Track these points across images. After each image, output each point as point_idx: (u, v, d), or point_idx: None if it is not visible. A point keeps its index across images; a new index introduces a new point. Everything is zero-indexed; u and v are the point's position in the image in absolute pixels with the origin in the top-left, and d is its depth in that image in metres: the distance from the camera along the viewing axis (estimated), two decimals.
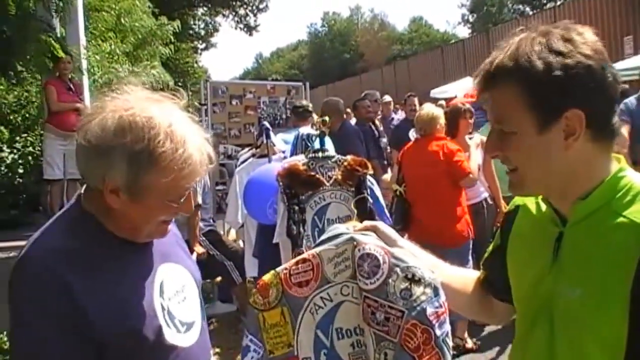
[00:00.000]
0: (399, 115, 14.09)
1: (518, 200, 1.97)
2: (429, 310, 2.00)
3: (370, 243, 2.11)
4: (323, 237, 2.22)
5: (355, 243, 2.11)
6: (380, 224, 2.18)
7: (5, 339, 5.82)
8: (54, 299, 1.74)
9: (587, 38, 1.60)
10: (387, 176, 7.83)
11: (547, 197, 1.78)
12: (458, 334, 6.26)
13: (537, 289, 1.76)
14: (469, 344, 6.33)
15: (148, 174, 1.77)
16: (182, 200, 1.87)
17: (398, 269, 2.05)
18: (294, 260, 2.18)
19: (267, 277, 2.18)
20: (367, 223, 2.19)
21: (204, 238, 7.40)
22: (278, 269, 2.18)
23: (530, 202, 1.89)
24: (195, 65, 35.24)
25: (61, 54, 9.83)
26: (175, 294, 2.03)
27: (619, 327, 1.54)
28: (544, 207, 1.80)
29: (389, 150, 10.48)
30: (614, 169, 1.67)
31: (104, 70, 11.44)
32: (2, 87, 11.13)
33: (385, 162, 9.92)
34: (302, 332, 2.17)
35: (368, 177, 4.48)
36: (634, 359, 1.54)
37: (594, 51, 1.58)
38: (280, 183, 4.36)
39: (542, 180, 1.70)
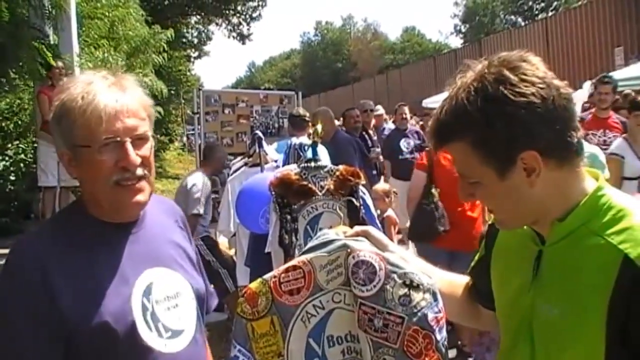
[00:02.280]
0: (390, 126, 14.09)
1: None
2: (430, 316, 2.01)
3: (365, 250, 2.11)
4: (313, 244, 2.21)
5: (349, 250, 2.10)
6: (371, 229, 2.19)
7: None
8: (28, 288, 1.79)
9: (523, 71, 1.59)
10: (379, 186, 7.82)
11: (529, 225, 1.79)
12: (462, 339, 6.30)
13: (518, 305, 1.78)
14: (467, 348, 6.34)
15: (69, 126, 1.87)
16: (108, 146, 1.88)
17: (395, 275, 2.05)
18: (283, 268, 2.17)
19: (254, 286, 2.16)
20: (357, 228, 2.19)
21: (201, 242, 7.40)
22: (266, 277, 2.17)
23: None
24: (188, 73, 35.17)
25: (53, 61, 9.82)
26: (165, 299, 2.02)
27: (597, 347, 1.55)
28: None
29: (381, 160, 10.48)
30: (590, 188, 1.67)
31: None
32: None
33: (375, 172, 9.90)
34: (292, 342, 2.15)
35: (360, 186, 4.49)
36: None
37: (532, 84, 1.57)
38: (273, 192, 4.36)
39: (517, 218, 1.73)
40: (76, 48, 11.45)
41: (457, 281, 2.25)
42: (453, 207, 6.05)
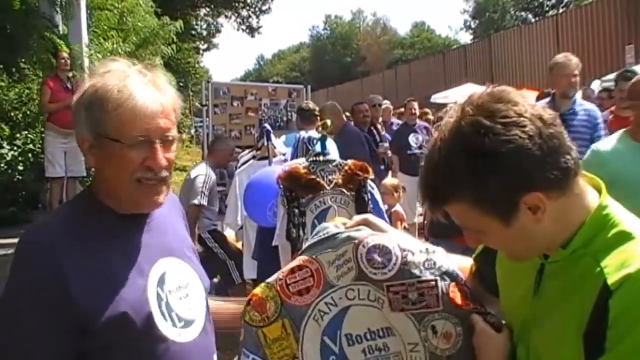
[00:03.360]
0: (398, 120, 14.08)
1: None
2: (457, 272, 2.05)
3: (370, 235, 2.10)
4: (314, 240, 2.20)
5: (356, 241, 2.09)
6: (370, 217, 2.20)
7: None
8: (44, 279, 1.78)
9: (501, 114, 1.53)
10: (388, 181, 7.81)
11: None
12: None
13: (521, 311, 1.78)
14: None
15: (100, 117, 1.85)
16: (142, 145, 1.89)
17: (409, 246, 2.07)
18: (287, 269, 2.15)
19: (259, 291, 2.14)
20: (357, 218, 2.19)
21: (209, 235, 7.43)
22: (270, 281, 2.15)
23: None
24: (197, 65, 35.24)
25: (65, 49, 9.83)
26: (177, 288, 2.03)
27: None
28: None
29: (389, 155, 10.47)
30: (593, 204, 1.63)
31: None
32: (3, 83, 11.11)
33: (383, 167, 9.89)
34: (306, 342, 2.13)
35: (369, 181, 4.48)
36: None
37: (514, 125, 1.51)
38: (281, 186, 4.36)
39: (528, 253, 1.71)
40: (85, 39, 11.47)
41: (463, 265, 2.22)
42: None
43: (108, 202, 1.96)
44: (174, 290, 2.01)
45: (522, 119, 1.51)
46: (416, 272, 2.03)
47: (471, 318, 1.93)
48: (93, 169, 2.03)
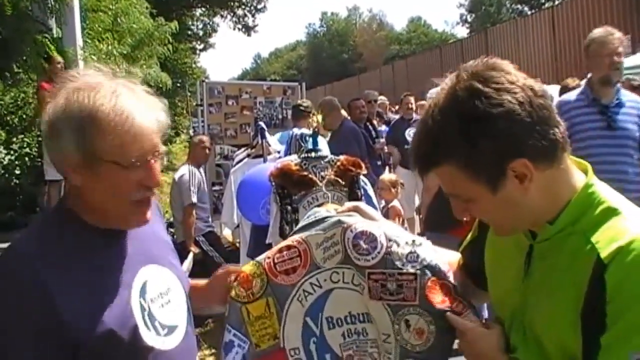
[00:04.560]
0: (396, 116, 14.11)
1: None
2: (441, 266, 2.05)
3: (359, 222, 2.13)
4: (305, 222, 2.22)
5: (344, 226, 2.12)
6: (361, 204, 2.24)
7: None
8: (29, 302, 1.73)
9: (496, 80, 1.56)
10: (385, 176, 7.81)
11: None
12: None
13: (511, 296, 1.78)
14: None
15: (94, 139, 1.77)
16: (138, 166, 1.84)
17: (396, 237, 2.09)
18: (276, 248, 2.18)
19: (247, 268, 2.19)
20: (348, 204, 2.24)
21: (203, 239, 7.44)
22: (259, 259, 2.19)
23: None
24: (194, 65, 35.15)
25: (56, 54, 9.82)
26: (158, 296, 2.01)
27: (576, 343, 1.55)
28: None
29: (386, 151, 10.47)
30: (580, 184, 1.65)
31: None
32: None
33: (380, 163, 9.89)
34: (288, 323, 2.17)
35: (361, 177, 4.47)
36: None
37: (506, 91, 1.54)
38: (273, 183, 4.36)
39: (514, 225, 1.72)
40: (80, 41, 11.46)
41: (452, 259, 2.24)
42: None
43: (88, 219, 1.91)
44: (155, 298, 1.99)
45: (513, 86, 1.55)
46: (398, 263, 2.05)
47: (450, 319, 1.94)
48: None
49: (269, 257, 2.19)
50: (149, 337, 1.90)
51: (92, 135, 1.77)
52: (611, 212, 1.59)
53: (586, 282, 1.52)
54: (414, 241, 2.09)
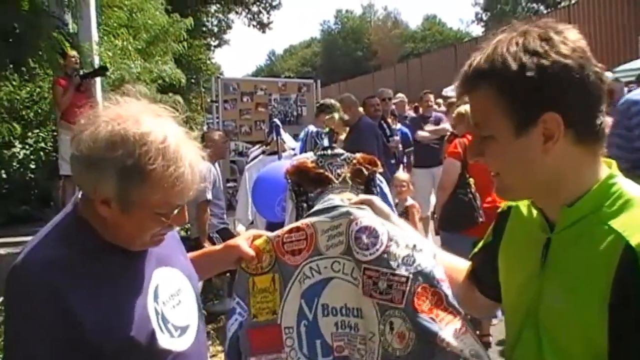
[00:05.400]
0: (412, 113, 14.12)
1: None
2: (437, 275, 2.04)
3: (367, 216, 2.14)
4: (317, 208, 2.26)
5: (351, 217, 2.15)
6: (375, 199, 2.25)
7: None
8: (47, 311, 1.72)
9: (567, 37, 1.55)
10: (399, 175, 7.78)
11: (534, 201, 1.76)
12: (483, 331, 6.25)
13: (525, 293, 1.74)
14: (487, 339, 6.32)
15: (138, 189, 1.75)
16: (175, 213, 1.86)
17: (398, 238, 2.09)
18: (287, 228, 2.23)
19: (259, 243, 2.24)
20: (362, 197, 2.26)
21: (217, 235, 7.42)
22: (270, 236, 2.24)
23: (522, 205, 1.86)
24: (209, 62, 35.17)
25: (69, 50, 9.84)
26: (170, 298, 2.00)
27: (600, 339, 1.51)
28: (534, 211, 1.77)
29: (400, 149, 10.45)
30: (603, 174, 1.62)
31: (116, 66, 11.47)
32: (14, 83, 11.13)
33: (393, 161, 9.87)
34: (289, 302, 2.22)
35: (377, 175, 4.45)
36: None
37: (573, 50, 1.53)
38: (289, 180, 4.34)
39: (523, 186, 1.68)
40: (95, 37, 11.49)
41: (456, 264, 2.23)
42: (483, 197, 6.03)
43: (107, 237, 1.89)
44: (167, 300, 1.99)
45: (582, 54, 1.55)
46: (393, 264, 2.06)
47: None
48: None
49: (278, 236, 2.24)
50: (164, 341, 1.91)
51: (137, 187, 1.75)
52: (632, 203, 1.56)
53: (613, 272, 1.48)
54: (414, 246, 2.09)
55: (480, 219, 5.96)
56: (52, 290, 1.72)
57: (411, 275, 2.04)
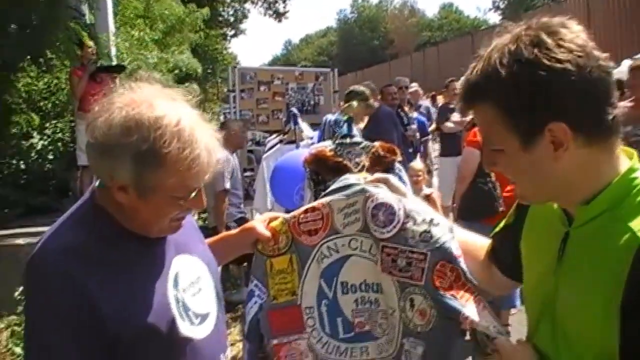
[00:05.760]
0: (427, 103, 14.09)
1: None
2: (454, 249, 2.06)
3: (382, 193, 2.15)
4: (333, 187, 2.25)
5: (367, 195, 2.15)
6: (390, 177, 2.25)
7: None
8: (63, 300, 1.72)
9: (562, 37, 1.49)
10: (413, 164, 7.74)
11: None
12: (502, 321, 6.21)
13: (542, 286, 1.72)
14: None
15: (154, 174, 1.75)
16: (192, 196, 1.85)
17: (415, 214, 2.10)
18: (303, 208, 2.23)
19: (275, 224, 2.24)
20: (378, 175, 2.25)
21: (235, 225, 7.40)
22: (287, 217, 2.24)
23: None
24: (225, 52, 35.23)
25: (88, 41, 9.86)
26: (190, 285, 2.00)
27: (611, 339, 1.48)
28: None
29: (417, 138, 10.41)
30: (623, 168, 1.57)
31: (133, 56, 11.49)
32: (32, 74, 11.17)
33: (411, 150, 9.82)
34: (307, 282, 2.23)
35: (396, 163, 4.42)
36: None
37: (570, 51, 1.47)
38: (307, 169, 4.32)
39: (538, 192, 1.65)
40: (112, 27, 11.53)
41: (474, 241, 2.22)
42: (503, 186, 6.00)
43: (125, 224, 1.89)
44: (187, 288, 1.99)
45: (579, 49, 1.48)
46: (411, 241, 2.07)
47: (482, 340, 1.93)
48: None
49: (294, 217, 2.23)
50: (185, 328, 1.90)
51: (153, 172, 1.75)
52: None
53: (626, 272, 1.44)
54: (431, 220, 2.09)
55: (500, 208, 5.93)
56: (67, 279, 1.72)
57: (429, 253, 2.06)
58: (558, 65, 1.45)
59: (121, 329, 1.75)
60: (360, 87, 8.29)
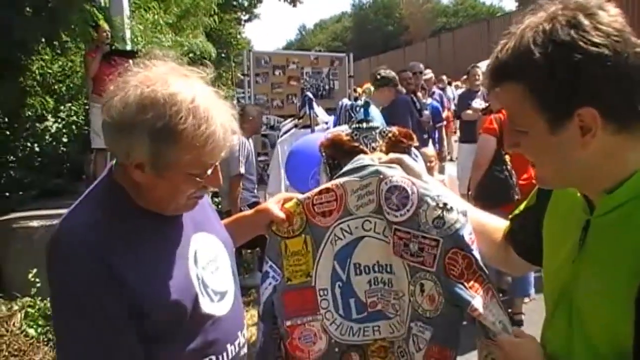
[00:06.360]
0: (439, 90, 14.07)
1: None
2: (466, 236, 2.04)
3: (397, 175, 2.13)
4: (347, 168, 2.26)
5: (381, 176, 2.15)
6: (405, 157, 2.24)
7: (49, 305, 5.90)
8: (92, 270, 1.73)
9: (599, 19, 1.43)
10: (427, 149, 7.70)
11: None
12: (515, 309, 6.23)
13: (562, 273, 1.68)
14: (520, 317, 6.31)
15: (170, 151, 1.74)
16: (208, 174, 1.85)
17: (428, 199, 2.08)
18: (317, 190, 2.23)
19: (289, 205, 2.24)
20: (392, 156, 2.25)
21: (248, 209, 7.40)
22: (300, 198, 2.24)
23: None
24: (239, 36, 35.14)
25: (103, 23, 9.85)
26: (208, 263, 2.01)
27: (625, 334, 1.43)
28: None
29: (430, 124, 10.37)
30: None
31: (147, 40, 11.47)
32: (47, 57, 11.18)
33: (426, 136, 9.78)
34: (322, 264, 2.23)
35: (413, 149, 4.37)
36: None
37: (607, 35, 1.41)
38: (323, 154, 4.29)
39: (559, 177, 1.60)
40: (127, 10, 11.49)
41: (490, 222, 2.21)
42: (519, 174, 5.95)
43: (141, 201, 1.89)
44: (206, 265, 2.00)
45: (617, 34, 1.42)
46: (423, 226, 2.06)
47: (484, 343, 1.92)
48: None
49: (309, 198, 2.23)
50: (206, 305, 1.92)
51: (170, 149, 1.74)
52: None
53: None
54: (445, 205, 2.07)
55: (516, 197, 5.89)
56: (91, 252, 1.74)
57: (442, 239, 2.05)
58: (594, 49, 1.40)
59: (146, 302, 1.77)
60: (388, 71, 8.37)
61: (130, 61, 1.85)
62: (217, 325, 1.97)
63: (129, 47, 10.59)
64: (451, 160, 13.95)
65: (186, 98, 1.75)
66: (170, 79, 1.78)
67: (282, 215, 2.24)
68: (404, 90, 8.60)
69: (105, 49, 9.71)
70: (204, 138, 1.74)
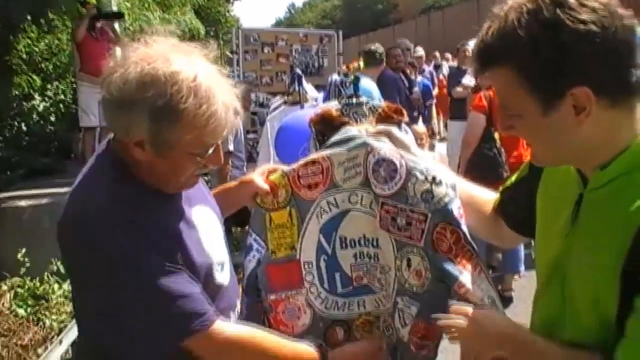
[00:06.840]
0: (430, 68, 14.04)
1: None
2: (455, 211, 2.02)
3: (385, 148, 2.11)
4: (334, 139, 2.24)
5: (369, 148, 2.12)
6: (394, 129, 2.20)
7: (39, 284, 5.89)
8: (133, 238, 1.74)
9: None
10: (418, 127, 7.69)
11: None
12: (505, 286, 6.26)
13: (554, 247, 1.67)
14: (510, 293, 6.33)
15: (171, 130, 1.72)
16: (209, 153, 1.83)
17: (417, 172, 2.06)
18: (302, 162, 2.21)
19: (274, 177, 2.22)
20: (380, 128, 2.20)
21: None
22: (286, 170, 2.22)
23: None
24: (228, 14, 34.98)
25: (91, 0, 9.74)
26: (209, 234, 2.01)
27: (610, 305, 1.44)
28: None
29: (420, 101, 10.34)
30: None
31: (135, 17, 11.37)
32: (33, 35, 11.07)
33: (416, 114, 9.77)
34: (307, 236, 2.21)
35: (403, 124, 4.36)
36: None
37: (593, 10, 1.38)
38: (313, 129, 4.27)
39: (554, 156, 1.59)
40: None
41: (479, 195, 2.19)
42: (510, 151, 5.94)
43: (143, 177, 1.87)
44: (207, 237, 1.99)
45: (603, 8, 1.39)
46: (412, 200, 2.04)
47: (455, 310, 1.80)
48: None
49: (294, 170, 2.21)
50: (217, 275, 1.95)
51: (171, 127, 1.72)
52: None
53: (630, 239, 1.40)
54: (434, 178, 2.05)
55: (505, 174, 5.89)
56: (124, 221, 1.75)
57: (430, 214, 2.03)
58: (582, 26, 1.38)
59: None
60: (379, 47, 8.53)
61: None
62: (224, 294, 2.00)
63: (116, 24, 10.46)
64: (442, 139, 13.97)
65: (188, 76, 1.72)
66: (172, 57, 1.75)
67: (266, 187, 2.22)
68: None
69: (92, 11, 9.57)
70: (206, 118, 1.72)
